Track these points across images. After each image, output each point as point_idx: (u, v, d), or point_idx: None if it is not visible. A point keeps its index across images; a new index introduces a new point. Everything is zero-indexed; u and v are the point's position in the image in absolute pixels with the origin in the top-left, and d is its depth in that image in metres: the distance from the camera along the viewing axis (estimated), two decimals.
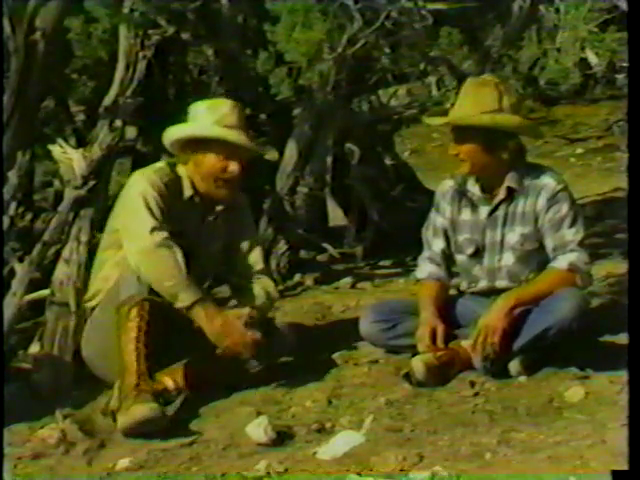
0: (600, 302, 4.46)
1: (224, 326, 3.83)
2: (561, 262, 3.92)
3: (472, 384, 3.82)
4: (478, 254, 4.07)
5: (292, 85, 6.24)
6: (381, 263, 5.81)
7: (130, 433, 3.63)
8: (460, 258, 4.13)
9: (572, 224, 3.93)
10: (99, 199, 4.46)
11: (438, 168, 7.80)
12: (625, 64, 5.20)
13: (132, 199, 3.95)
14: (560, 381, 3.74)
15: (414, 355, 3.93)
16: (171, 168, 4.05)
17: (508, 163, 3.99)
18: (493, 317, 3.83)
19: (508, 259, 4.03)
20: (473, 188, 4.08)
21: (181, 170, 4.05)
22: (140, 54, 4.69)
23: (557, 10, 5.03)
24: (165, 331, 3.82)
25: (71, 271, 4.30)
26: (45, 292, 4.34)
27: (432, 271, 4.16)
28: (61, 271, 4.32)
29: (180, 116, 4.10)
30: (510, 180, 3.99)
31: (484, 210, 4.06)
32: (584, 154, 10.09)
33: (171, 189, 4.00)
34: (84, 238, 4.36)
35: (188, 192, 4.04)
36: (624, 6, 4.70)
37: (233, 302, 4.20)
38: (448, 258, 4.17)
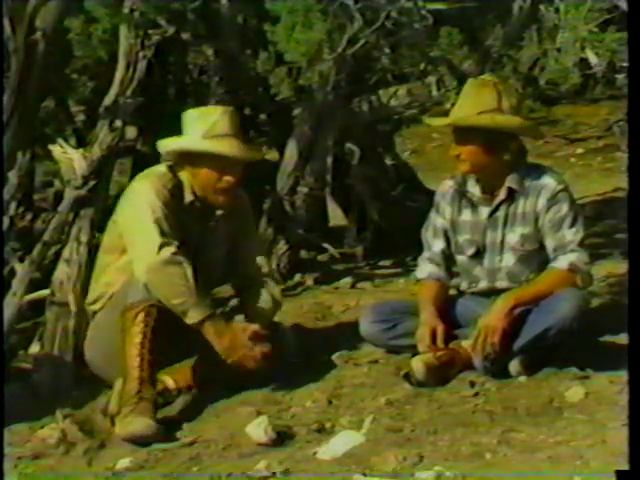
0: (600, 302, 4.46)
1: (233, 341, 3.83)
2: (561, 262, 3.91)
3: (472, 384, 3.82)
4: (479, 255, 4.07)
5: (292, 85, 6.25)
6: (381, 263, 5.80)
7: (126, 441, 3.64)
8: (460, 259, 4.13)
9: (572, 224, 3.93)
10: (99, 199, 4.47)
11: (438, 168, 7.79)
12: (625, 64, 5.19)
13: (138, 209, 3.90)
14: (560, 381, 3.73)
15: (414, 355, 3.93)
16: (173, 173, 4.01)
17: (509, 164, 3.98)
18: (493, 317, 3.83)
19: (508, 260, 4.02)
20: (473, 189, 4.08)
21: (182, 175, 4.01)
22: (140, 54, 4.68)
23: (557, 10, 5.01)
24: (171, 335, 3.80)
25: (71, 271, 4.30)
26: (45, 292, 4.34)
27: (432, 271, 4.15)
28: (61, 271, 4.32)
29: (180, 116, 4.08)
30: (511, 181, 3.98)
31: (484, 211, 4.06)
32: (584, 154, 10.07)
33: (174, 195, 3.97)
34: (84, 238, 4.36)
35: (189, 197, 4.00)
36: (624, 6, 4.69)
37: (234, 302, 4.20)
38: (448, 258, 4.16)
